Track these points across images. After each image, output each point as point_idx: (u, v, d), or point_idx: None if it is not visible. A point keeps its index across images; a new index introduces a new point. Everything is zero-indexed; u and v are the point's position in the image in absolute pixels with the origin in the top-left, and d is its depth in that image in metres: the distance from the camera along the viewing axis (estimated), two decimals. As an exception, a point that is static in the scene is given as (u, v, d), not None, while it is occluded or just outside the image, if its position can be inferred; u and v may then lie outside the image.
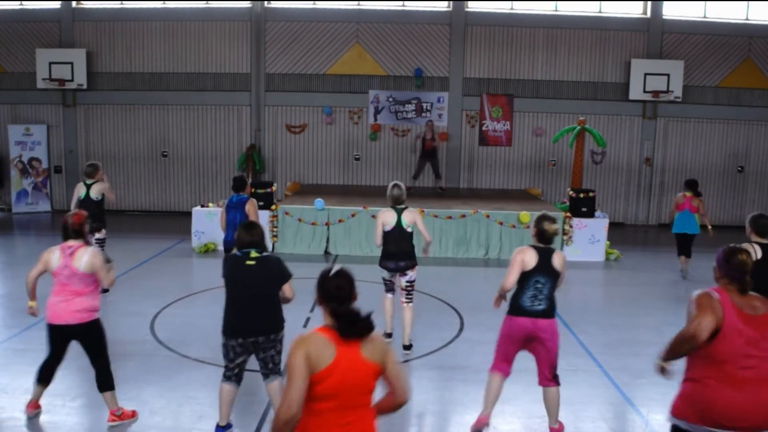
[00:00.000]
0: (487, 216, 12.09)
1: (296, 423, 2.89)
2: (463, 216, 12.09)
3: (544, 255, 5.07)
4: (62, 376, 6.14)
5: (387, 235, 7.03)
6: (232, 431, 5.16)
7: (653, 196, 16.75)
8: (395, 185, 7.15)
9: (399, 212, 7.04)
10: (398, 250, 7.00)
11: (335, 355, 2.91)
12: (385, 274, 7.16)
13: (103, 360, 5.31)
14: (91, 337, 5.26)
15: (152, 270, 10.68)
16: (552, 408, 5.22)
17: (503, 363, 5.24)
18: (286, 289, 4.96)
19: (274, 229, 12.06)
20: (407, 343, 7.16)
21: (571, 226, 12.02)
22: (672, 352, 3.60)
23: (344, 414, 2.95)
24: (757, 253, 5.71)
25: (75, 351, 6.39)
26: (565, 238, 12.01)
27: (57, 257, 5.15)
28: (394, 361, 3.06)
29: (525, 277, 5.07)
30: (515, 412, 5.74)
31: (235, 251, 5.03)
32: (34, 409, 5.41)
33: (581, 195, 12.30)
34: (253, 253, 4.91)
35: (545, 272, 5.05)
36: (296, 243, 12.09)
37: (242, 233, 5.00)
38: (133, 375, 6.28)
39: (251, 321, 4.88)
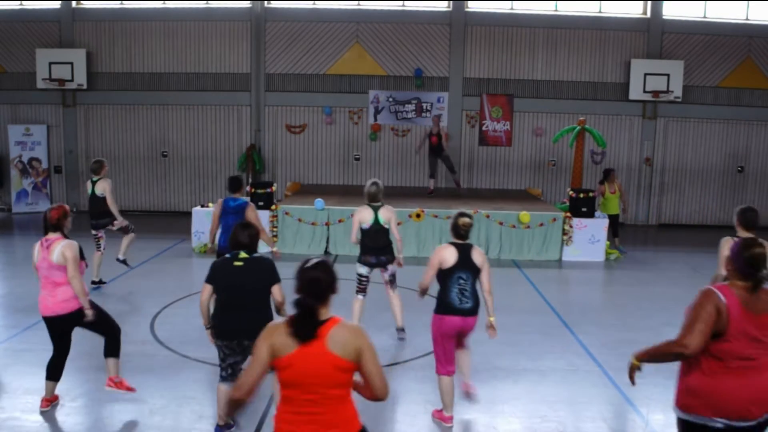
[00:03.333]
0: (487, 216, 12.09)
1: (243, 405, 3.01)
2: (463, 216, 12.07)
3: (463, 251, 5.20)
4: (62, 376, 6.14)
5: (365, 232, 7.27)
6: (234, 431, 5.15)
7: (653, 196, 16.75)
8: (373, 183, 7.34)
9: (375, 209, 7.25)
10: (377, 246, 7.24)
11: (296, 345, 2.90)
12: (364, 270, 7.35)
13: (110, 330, 5.55)
14: (86, 320, 5.43)
15: (152, 270, 10.68)
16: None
17: (447, 364, 5.32)
18: (275, 292, 4.85)
19: (274, 229, 12.06)
20: (401, 326, 7.51)
21: (571, 226, 12.02)
22: (653, 358, 3.50)
23: (311, 403, 2.93)
24: None
25: (75, 351, 6.38)
26: (565, 238, 12.02)
27: (37, 251, 5.32)
28: (370, 358, 2.95)
29: (448, 275, 5.17)
30: (515, 412, 5.74)
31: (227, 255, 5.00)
32: (48, 403, 5.49)
33: (581, 195, 12.29)
34: (242, 254, 4.84)
35: (466, 267, 5.17)
36: (296, 243, 12.09)
37: (236, 233, 4.90)
38: (133, 375, 6.27)
39: (236, 323, 4.78)
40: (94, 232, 9.27)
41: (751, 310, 3.32)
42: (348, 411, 3.01)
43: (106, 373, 5.67)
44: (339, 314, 3.05)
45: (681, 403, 3.51)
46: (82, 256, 5.38)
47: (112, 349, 5.57)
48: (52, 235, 5.32)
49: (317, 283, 2.94)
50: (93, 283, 9.18)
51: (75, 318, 5.36)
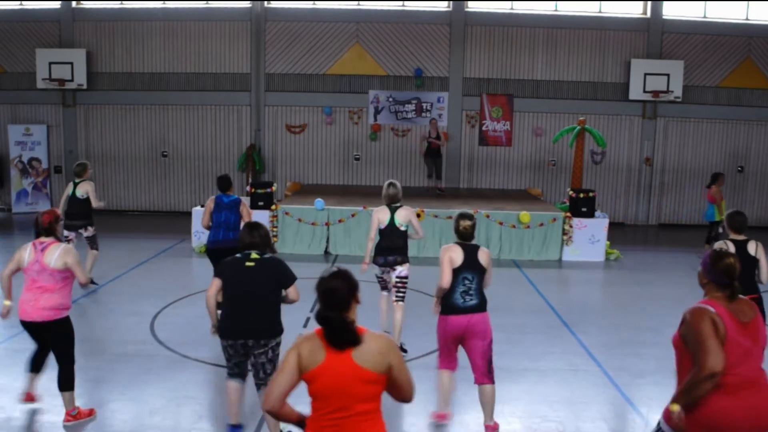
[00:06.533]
0: (487, 216, 12.09)
1: (277, 413, 2.92)
2: (463, 216, 12.07)
3: (470, 251, 5.18)
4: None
5: (380, 233, 7.17)
6: None
7: (653, 196, 16.74)
8: (390, 184, 7.25)
9: (393, 210, 7.16)
10: (388, 246, 7.08)
11: (324, 359, 2.84)
12: (377, 270, 7.22)
13: (68, 359, 5.30)
14: (58, 335, 5.26)
15: (152, 270, 10.68)
16: (488, 406, 5.24)
17: (448, 360, 5.33)
18: (291, 291, 4.85)
19: (274, 229, 12.06)
20: (400, 344, 7.18)
21: (571, 226, 12.02)
22: (688, 394, 3.24)
23: (339, 417, 2.87)
24: (730, 250, 5.81)
25: (75, 352, 6.36)
26: (565, 238, 12.02)
27: (29, 253, 5.21)
28: (401, 369, 2.91)
29: (453, 275, 5.14)
30: (515, 412, 5.74)
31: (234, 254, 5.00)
32: (29, 399, 5.45)
33: (581, 195, 12.29)
34: (254, 254, 4.84)
35: (472, 268, 5.14)
36: (296, 243, 12.09)
37: (245, 234, 4.92)
38: (133, 375, 6.29)
39: (242, 322, 4.77)
40: (66, 233, 9.12)
41: (739, 319, 3.26)
42: (374, 428, 2.91)
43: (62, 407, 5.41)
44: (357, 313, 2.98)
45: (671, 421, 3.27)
46: None
47: (67, 382, 5.29)
48: (45, 239, 5.24)
49: (334, 293, 2.85)
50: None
51: (51, 327, 5.25)
